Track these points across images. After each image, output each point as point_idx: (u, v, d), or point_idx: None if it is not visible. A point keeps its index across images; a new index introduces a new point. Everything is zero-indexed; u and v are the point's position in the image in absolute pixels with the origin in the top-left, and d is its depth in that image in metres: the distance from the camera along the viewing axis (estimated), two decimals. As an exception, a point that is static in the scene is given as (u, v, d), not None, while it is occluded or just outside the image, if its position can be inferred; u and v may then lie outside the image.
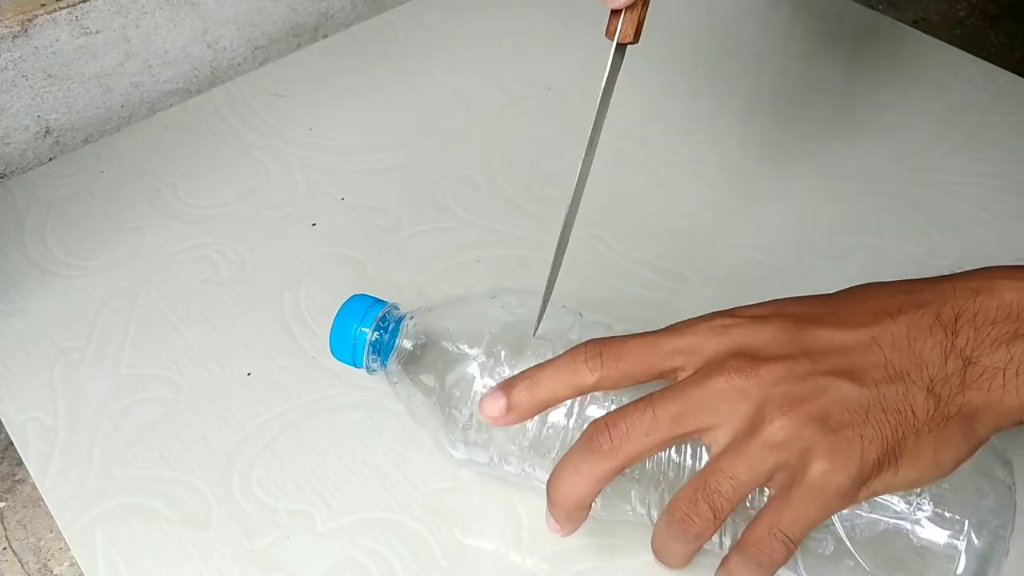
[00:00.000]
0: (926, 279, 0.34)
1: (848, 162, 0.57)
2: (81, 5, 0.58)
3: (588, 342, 0.34)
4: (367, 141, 0.60)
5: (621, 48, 0.35)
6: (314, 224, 0.55)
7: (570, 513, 0.34)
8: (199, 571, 0.40)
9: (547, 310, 0.38)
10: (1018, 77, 0.63)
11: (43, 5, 0.57)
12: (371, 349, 0.40)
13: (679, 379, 0.33)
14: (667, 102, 0.62)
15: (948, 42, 0.66)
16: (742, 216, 0.54)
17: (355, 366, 0.41)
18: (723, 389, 0.32)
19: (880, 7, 0.72)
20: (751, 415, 0.31)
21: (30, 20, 0.56)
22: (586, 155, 0.37)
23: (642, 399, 0.33)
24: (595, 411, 0.36)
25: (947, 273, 0.34)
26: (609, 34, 0.35)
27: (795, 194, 0.56)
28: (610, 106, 0.37)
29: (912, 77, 0.63)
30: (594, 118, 0.37)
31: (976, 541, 0.32)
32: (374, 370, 0.41)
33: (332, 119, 0.62)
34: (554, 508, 0.34)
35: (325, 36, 0.70)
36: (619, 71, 0.36)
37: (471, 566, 0.40)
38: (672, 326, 0.34)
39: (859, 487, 0.31)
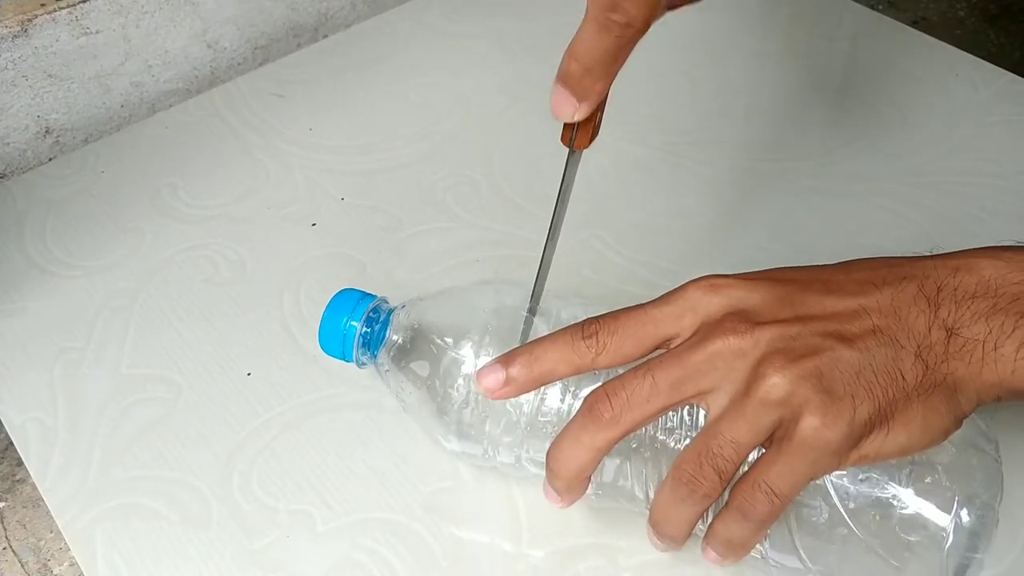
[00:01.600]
0: (906, 256, 0.35)
1: (848, 162, 0.57)
2: (81, 5, 0.58)
3: (585, 320, 0.35)
4: (367, 141, 0.60)
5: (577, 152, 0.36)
6: (314, 224, 0.55)
7: (570, 483, 0.35)
8: (199, 571, 0.40)
9: (540, 300, 0.39)
10: (1018, 77, 0.63)
11: (43, 5, 0.57)
12: (361, 343, 0.40)
13: (676, 340, 0.34)
14: (667, 102, 0.62)
15: (948, 42, 0.66)
16: (742, 216, 0.54)
17: (345, 360, 0.41)
18: (720, 351, 0.32)
19: (880, 7, 0.72)
20: (747, 375, 0.32)
21: (30, 20, 0.56)
22: (546, 249, 0.39)
23: (641, 366, 0.33)
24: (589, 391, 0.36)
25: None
26: (564, 141, 0.36)
27: (795, 194, 0.56)
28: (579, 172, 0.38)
29: (912, 77, 0.63)
30: (552, 218, 0.38)
31: (966, 513, 0.32)
32: (364, 363, 0.41)
33: (332, 119, 0.62)
34: (554, 479, 0.35)
35: (325, 36, 0.70)
36: (576, 173, 0.37)
37: (471, 566, 0.40)
38: (664, 295, 0.35)
39: (850, 447, 0.31)
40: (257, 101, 0.64)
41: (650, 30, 0.35)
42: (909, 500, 0.33)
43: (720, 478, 0.32)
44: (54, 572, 0.41)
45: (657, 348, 0.34)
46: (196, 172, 0.58)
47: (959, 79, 0.63)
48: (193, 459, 0.44)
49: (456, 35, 0.68)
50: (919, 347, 0.32)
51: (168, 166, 0.59)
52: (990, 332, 0.32)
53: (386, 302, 0.41)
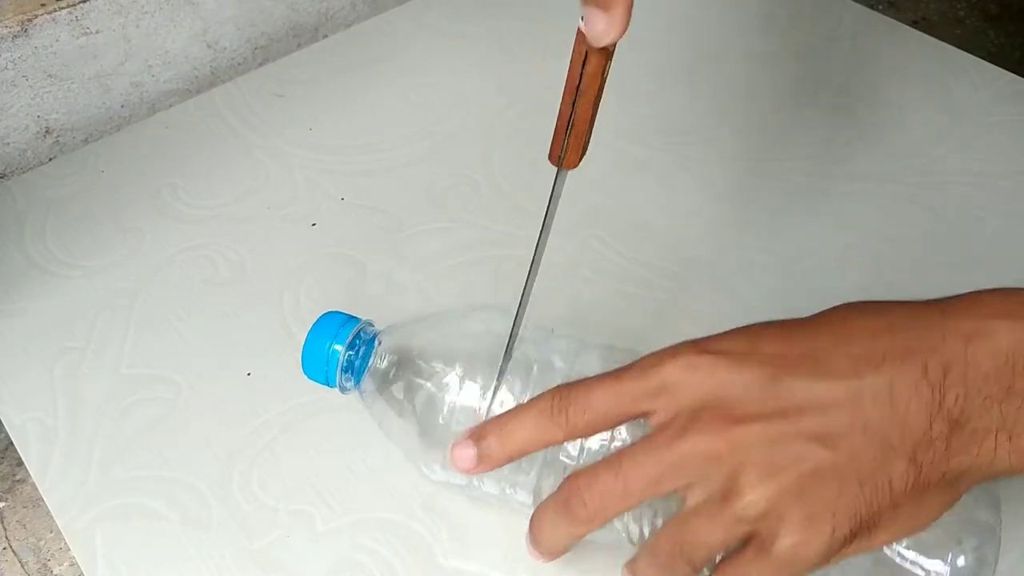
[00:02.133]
0: (914, 311, 0.31)
1: (848, 162, 0.57)
2: (81, 5, 0.58)
3: (555, 391, 0.33)
4: (367, 141, 0.60)
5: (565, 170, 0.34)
6: (314, 224, 0.55)
7: (553, 555, 0.34)
8: (199, 571, 0.40)
9: (521, 328, 0.37)
10: (1018, 77, 0.63)
11: (43, 5, 0.57)
12: (344, 368, 0.39)
13: (652, 422, 0.32)
14: (667, 102, 0.62)
15: (948, 42, 0.66)
16: (742, 216, 0.54)
17: (328, 386, 0.39)
18: (695, 452, 0.30)
19: (880, 7, 0.72)
20: (724, 481, 0.30)
21: (30, 20, 0.56)
22: (530, 275, 0.37)
23: (614, 459, 0.31)
24: None
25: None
26: (552, 160, 0.33)
27: (795, 194, 0.56)
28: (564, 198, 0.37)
29: (912, 77, 0.63)
30: (539, 236, 0.37)
31: (963, 560, 0.31)
32: (347, 389, 0.39)
33: (332, 119, 0.62)
34: (536, 547, 0.34)
35: (325, 36, 0.70)
36: (562, 191, 0.36)
37: (471, 566, 0.40)
38: (639, 364, 0.32)
39: (829, 559, 0.30)
40: (257, 101, 0.64)
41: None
42: (905, 553, 0.32)
43: (693, 569, 0.31)
44: (54, 572, 0.41)
45: (631, 421, 0.33)
46: (196, 172, 0.58)
47: (959, 79, 0.63)
48: (193, 459, 0.44)
49: (456, 35, 0.68)
50: (915, 446, 0.29)
51: (168, 166, 0.59)
52: (1004, 420, 0.29)
53: (371, 325, 0.40)
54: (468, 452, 0.33)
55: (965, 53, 0.65)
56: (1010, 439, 0.29)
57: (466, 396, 0.37)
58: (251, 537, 0.41)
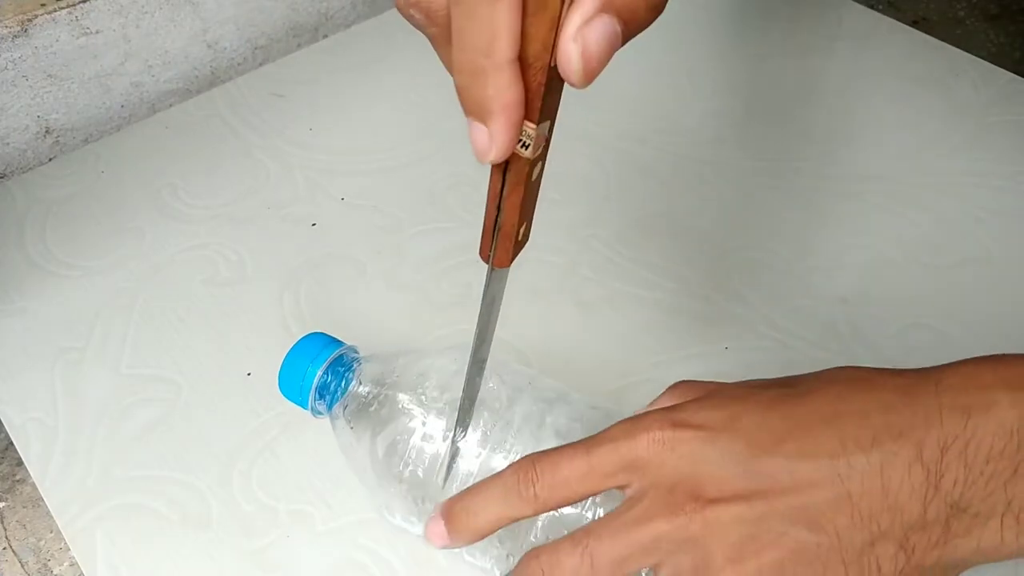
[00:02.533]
0: (908, 384, 0.29)
1: (848, 162, 0.57)
2: (81, 5, 0.58)
3: (522, 464, 0.31)
4: (367, 141, 0.60)
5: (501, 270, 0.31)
6: (314, 224, 0.55)
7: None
8: (199, 571, 0.40)
9: (500, 370, 0.36)
10: (1018, 77, 0.63)
11: (43, 5, 0.57)
12: (317, 394, 0.38)
13: (625, 493, 0.30)
14: (667, 102, 0.62)
15: (948, 42, 0.66)
16: (742, 216, 0.54)
17: (302, 407, 0.39)
18: (667, 533, 0.29)
19: (880, 7, 0.72)
20: (697, 564, 0.28)
21: (30, 20, 0.56)
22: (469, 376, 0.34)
23: (580, 535, 0.30)
24: None
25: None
26: (482, 256, 0.30)
27: (795, 194, 0.56)
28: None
29: (912, 77, 0.63)
30: (474, 338, 0.33)
31: None
32: (320, 413, 0.38)
33: (332, 119, 0.62)
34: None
35: (325, 36, 0.70)
36: (503, 292, 0.32)
37: (470, 566, 0.39)
38: (611, 435, 0.30)
39: None
40: (257, 101, 0.64)
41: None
42: None
43: None
44: (54, 572, 0.41)
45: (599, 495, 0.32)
46: (196, 172, 0.58)
47: (959, 79, 0.63)
48: (193, 459, 0.44)
49: (456, 35, 0.68)
50: (907, 532, 0.27)
51: (168, 166, 0.59)
52: (1010, 503, 0.26)
53: (354, 351, 0.39)
54: (439, 529, 0.32)
55: (965, 53, 0.65)
56: (1018, 521, 0.27)
57: (428, 444, 0.35)
58: (251, 537, 0.41)
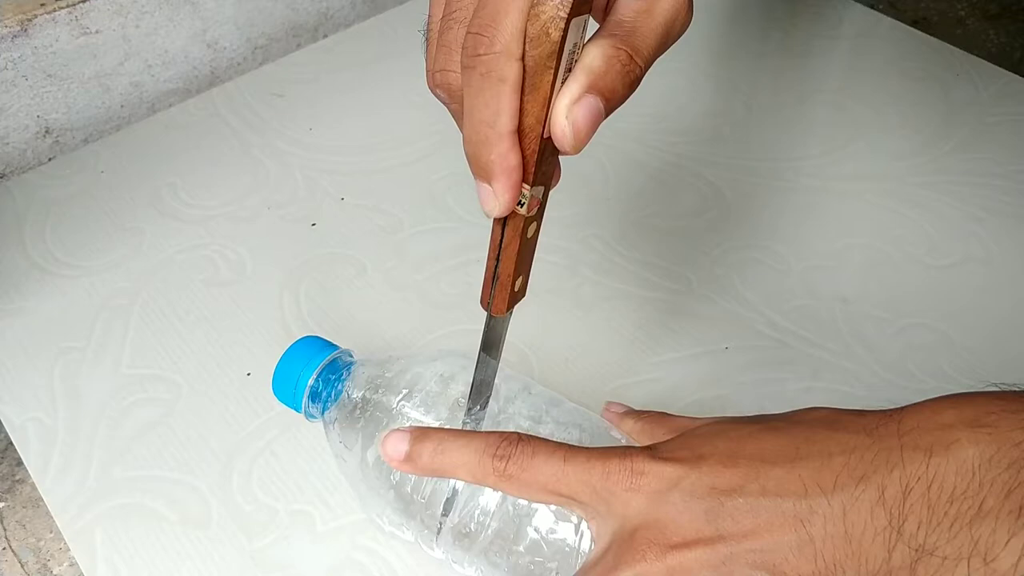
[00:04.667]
0: (871, 426, 0.29)
1: (848, 162, 0.57)
2: (81, 5, 0.58)
3: (507, 436, 0.31)
4: (367, 141, 0.60)
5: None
6: (314, 224, 0.55)
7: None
8: (199, 571, 0.40)
9: (516, 375, 0.37)
10: (1018, 77, 0.63)
11: (43, 5, 0.57)
12: (310, 398, 0.38)
13: (588, 522, 0.31)
14: (667, 102, 0.62)
15: (948, 42, 0.66)
16: (742, 216, 0.54)
17: (295, 410, 0.39)
18: None
19: (880, 7, 0.72)
20: None
21: (30, 20, 0.56)
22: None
23: None
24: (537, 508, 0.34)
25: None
26: (483, 304, 0.33)
27: (795, 194, 0.56)
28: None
29: (912, 77, 0.63)
30: (472, 384, 0.34)
31: None
32: (313, 416, 0.39)
33: (332, 119, 0.62)
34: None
35: (325, 36, 0.70)
36: (504, 338, 0.34)
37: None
38: (590, 454, 0.31)
39: None
40: (257, 101, 0.64)
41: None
42: None
43: None
44: (54, 572, 0.41)
45: (559, 503, 0.32)
46: (196, 172, 0.58)
47: (959, 79, 0.63)
48: (193, 459, 0.44)
49: (456, 35, 0.68)
50: None
51: (168, 166, 0.59)
52: (976, 544, 0.25)
53: (348, 355, 0.39)
54: (400, 446, 0.32)
55: (965, 53, 0.65)
56: (986, 563, 0.25)
57: None
58: (251, 537, 0.41)
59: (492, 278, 0.32)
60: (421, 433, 0.32)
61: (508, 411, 0.36)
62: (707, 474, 0.29)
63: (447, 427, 0.35)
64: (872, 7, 0.70)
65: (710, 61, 0.65)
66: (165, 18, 0.62)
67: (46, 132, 0.61)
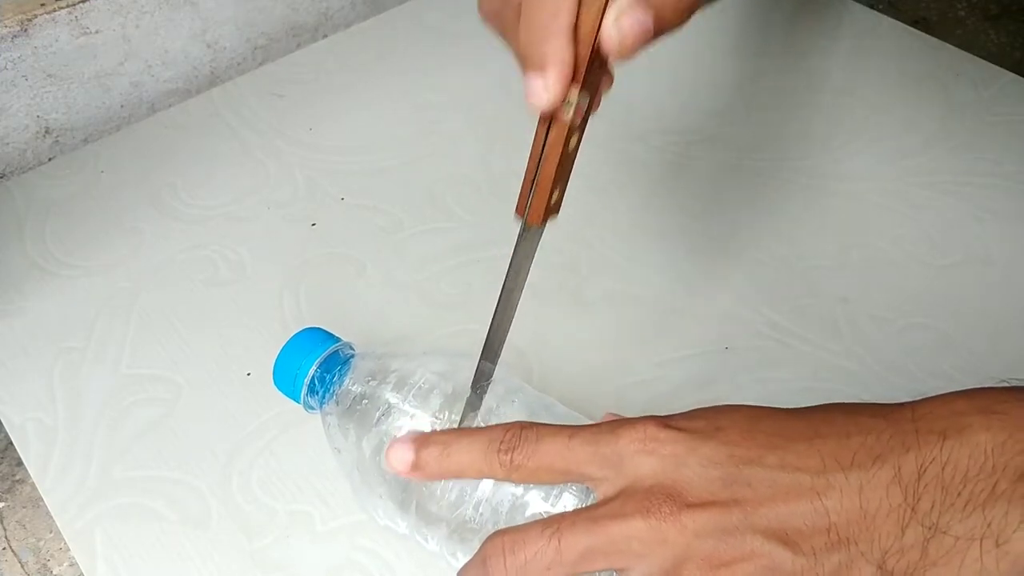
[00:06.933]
0: (886, 413, 0.29)
1: (848, 162, 0.57)
2: (81, 5, 0.58)
3: (510, 427, 0.31)
4: (367, 141, 0.60)
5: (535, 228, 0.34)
6: (314, 224, 0.55)
7: None
8: (199, 571, 0.40)
9: (511, 378, 0.37)
10: (1018, 77, 0.63)
11: (43, 5, 0.57)
12: (309, 390, 0.38)
13: (597, 492, 0.30)
14: (667, 102, 0.62)
15: (948, 42, 0.66)
16: (742, 216, 0.54)
17: (295, 401, 0.39)
18: (640, 532, 0.28)
19: (880, 7, 0.72)
20: (667, 568, 0.28)
21: (30, 20, 0.56)
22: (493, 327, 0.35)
23: (549, 522, 0.29)
24: (533, 498, 0.33)
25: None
26: (519, 212, 0.34)
27: (795, 194, 0.56)
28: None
29: (912, 77, 0.63)
30: (499, 296, 0.34)
31: None
32: (312, 408, 0.39)
33: (332, 119, 0.62)
34: None
35: (325, 36, 0.70)
36: (532, 258, 0.35)
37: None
38: (597, 427, 0.31)
39: None
40: (257, 101, 0.64)
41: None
42: None
43: None
44: (54, 572, 0.41)
45: (574, 482, 0.32)
46: (196, 172, 0.58)
47: (959, 79, 0.63)
48: (193, 459, 0.44)
49: (456, 35, 0.68)
50: (885, 554, 0.27)
51: (168, 166, 0.59)
52: (988, 526, 0.26)
53: (349, 348, 0.39)
54: (406, 455, 0.32)
55: (965, 53, 0.65)
56: (997, 545, 0.26)
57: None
58: (251, 537, 0.41)
59: (531, 184, 0.33)
60: (424, 439, 0.32)
61: (502, 408, 0.36)
62: (725, 443, 0.29)
63: (449, 425, 0.35)
64: (872, 7, 0.70)
65: (710, 61, 0.65)
66: (165, 18, 0.62)
67: (46, 132, 0.61)
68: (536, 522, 0.30)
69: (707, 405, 0.32)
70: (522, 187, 0.33)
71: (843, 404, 0.31)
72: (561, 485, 0.33)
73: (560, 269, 0.52)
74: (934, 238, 0.53)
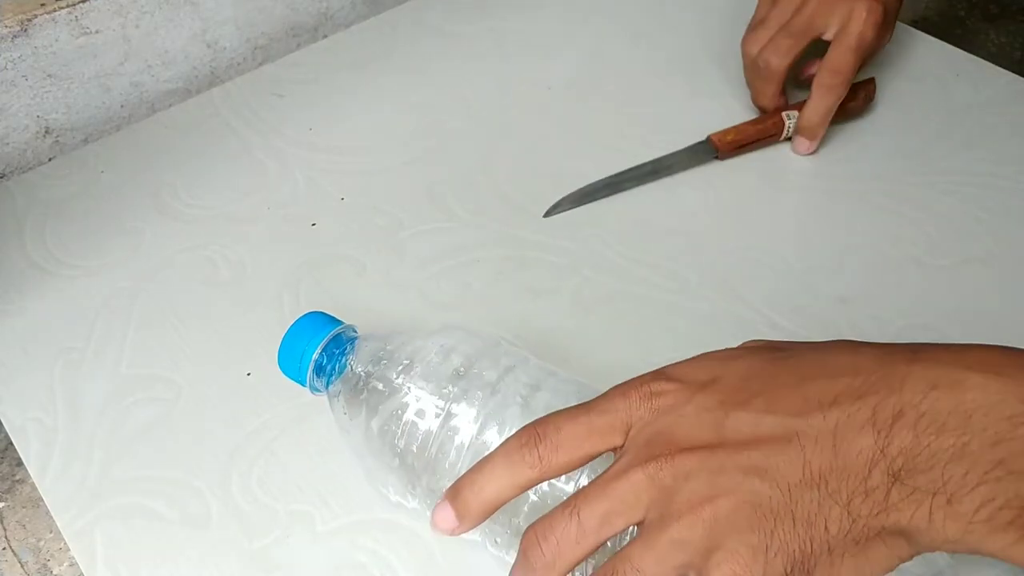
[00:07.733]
0: (884, 354, 0.30)
1: (849, 162, 0.57)
2: (81, 5, 0.58)
3: (524, 431, 0.32)
4: (367, 141, 0.60)
5: None
6: (314, 224, 0.55)
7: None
8: (199, 571, 0.40)
9: (492, 351, 0.37)
10: (1018, 77, 0.63)
11: (43, 5, 0.57)
12: (315, 371, 0.39)
13: (617, 456, 0.32)
14: (667, 102, 0.62)
15: (948, 42, 0.66)
16: (742, 216, 0.54)
17: (300, 384, 0.40)
18: (640, 481, 0.30)
19: (880, 7, 0.71)
20: (662, 508, 0.30)
21: (30, 20, 0.56)
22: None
23: (569, 502, 0.31)
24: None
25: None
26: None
27: (795, 194, 0.56)
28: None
29: (912, 77, 0.63)
30: None
31: None
32: (318, 390, 0.39)
33: (332, 119, 0.62)
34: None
35: (325, 36, 0.70)
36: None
37: (470, 566, 0.40)
38: (607, 397, 0.33)
39: None
40: (257, 101, 0.64)
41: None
42: None
43: None
44: (54, 572, 0.41)
45: (602, 455, 0.33)
46: (196, 172, 0.58)
47: (959, 79, 0.63)
48: (193, 459, 0.44)
49: (456, 35, 0.68)
50: (851, 493, 0.28)
51: (168, 166, 0.59)
52: (944, 483, 0.27)
53: (352, 331, 0.40)
54: (447, 513, 0.32)
55: (965, 53, 0.65)
56: (949, 503, 0.26)
57: (422, 421, 0.36)
58: (251, 537, 0.41)
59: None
60: (453, 491, 0.33)
61: (507, 379, 0.37)
62: (718, 391, 0.31)
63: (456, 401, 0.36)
64: (872, 7, 0.70)
65: (710, 61, 0.65)
66: (165, 18, 0.62)
67: (46, 132, 0.61)
68: (560, 504, 0.31)
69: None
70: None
71: (851, 343, 0.32)
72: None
73: (560, 269, 0.52)
74: (934, 238, 0.53)
